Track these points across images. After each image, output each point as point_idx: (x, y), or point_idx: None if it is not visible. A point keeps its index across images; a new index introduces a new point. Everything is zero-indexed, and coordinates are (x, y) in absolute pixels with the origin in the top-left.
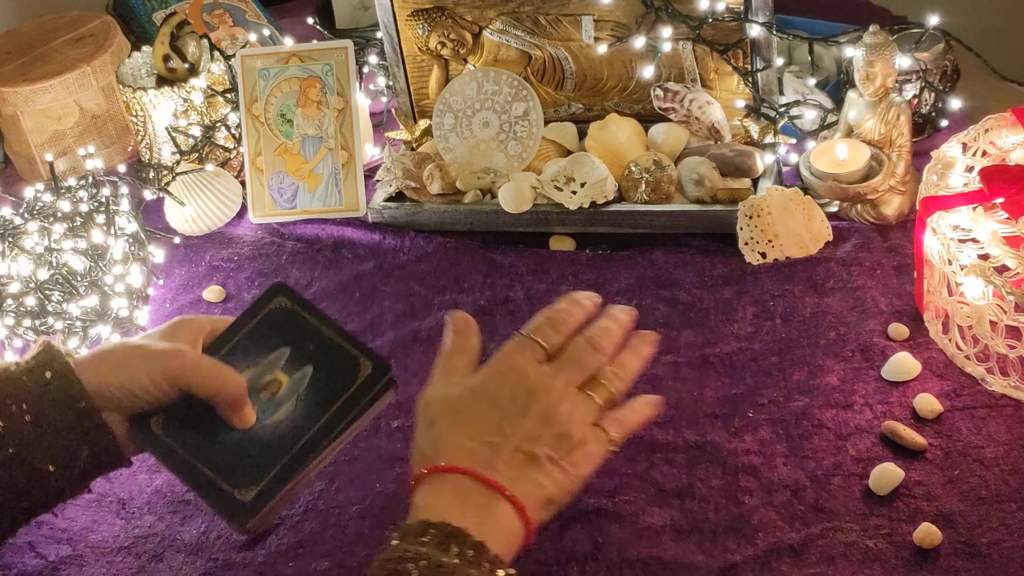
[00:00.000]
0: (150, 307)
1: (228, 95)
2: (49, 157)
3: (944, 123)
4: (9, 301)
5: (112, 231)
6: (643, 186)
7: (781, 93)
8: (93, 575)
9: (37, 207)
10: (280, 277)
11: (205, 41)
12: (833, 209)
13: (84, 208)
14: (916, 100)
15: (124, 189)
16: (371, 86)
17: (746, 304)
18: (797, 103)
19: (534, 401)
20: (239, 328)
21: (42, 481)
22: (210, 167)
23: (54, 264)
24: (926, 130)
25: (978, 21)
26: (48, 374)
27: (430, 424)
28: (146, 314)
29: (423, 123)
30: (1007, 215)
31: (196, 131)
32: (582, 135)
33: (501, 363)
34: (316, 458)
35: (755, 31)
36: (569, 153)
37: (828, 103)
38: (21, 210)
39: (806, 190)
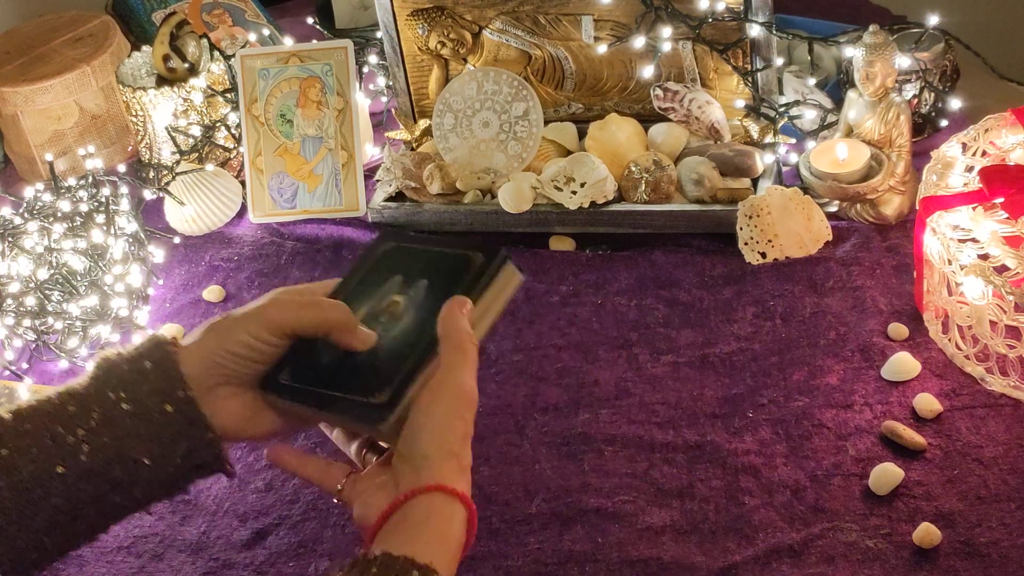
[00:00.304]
0: (150, 307)
1: (228, 95)
2: (49, 157)
3: (944, 123)
4: (9, 301)
5: (112, 231)
6: (643, 186)
7: (781, 93)
8: (93, 574)
9: (37, 207)
10: (280, 277)
11: (205, 41)
12: (833, 209)
13: (84, 208)
14: (916, 100)
15: (124, 189)
16: (371, 86)
17: (746, 304)
18: (797, 103)
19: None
20: (351, 280)
21: (136, 474)
22: (210, 167)
23: (54, 264)
24: (926, 130)
25: (978, 21)
26: (148, 364)
27: (463, 443)
28: (146, 314)
29: (423, 123)
30: (1007, 215)
31: (196, 131)
32: (582, 135)
33: (473, 390)
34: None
35: (755, 31)
36: (569, 153)
37: (828, 103)
38: (21, 210)
39: (806, 190)
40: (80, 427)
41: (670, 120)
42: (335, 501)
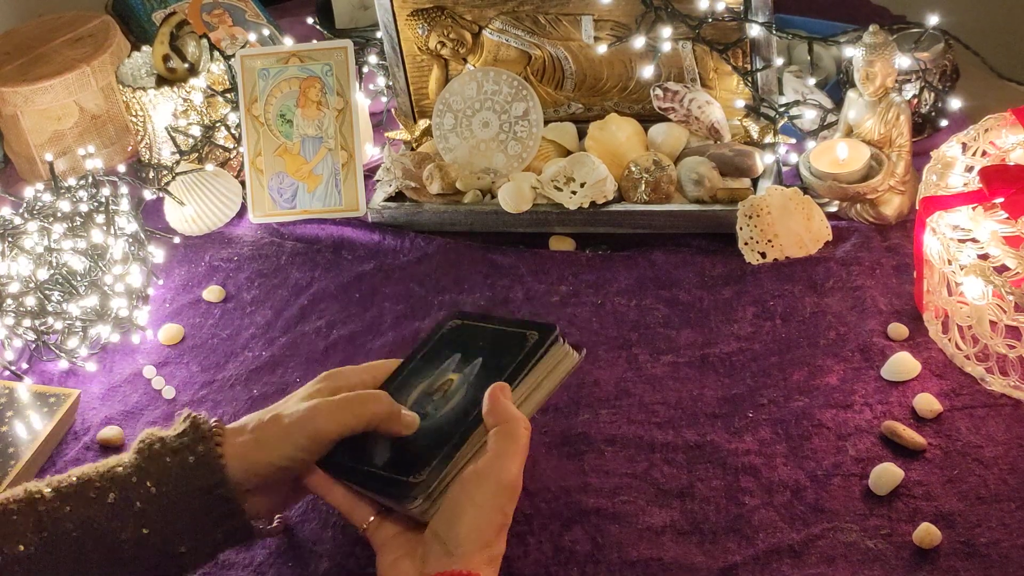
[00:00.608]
0: (150, 307)
1: (228, 95)
2: (49, 157)
3: (944, 123)
4: (9, 301)
5: (112, 231)
6: (643, 186)
7: (781, 93)
8: None
9: (37, 207)
10: (280, 277)
11: (205, 41)
12: (833, 209)
13: (84, 208)
14: (916, 100)
15: (124, 189)
16: (371, 86)
17: (746, 304)
18: (797, 103)
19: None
20: (413, 356)
21: (172, 560)
22: (210, 167)
23: (54, 264)
24: (926, 130)
25: (978, 20)
26: (192, 459)
27: (499, 535)
28: (146, 314)
29: (423, 123)
30: (1007, 215)
31: (196, 131)
32: (582, 135)
33: (518, 481)
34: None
35: (755, 31)
36: (569, 153)
37: (828, 103)
38: (21, 210)
39: (806, 190)
40: (119, 517)
41: (670, 120)
42: (360, 533)
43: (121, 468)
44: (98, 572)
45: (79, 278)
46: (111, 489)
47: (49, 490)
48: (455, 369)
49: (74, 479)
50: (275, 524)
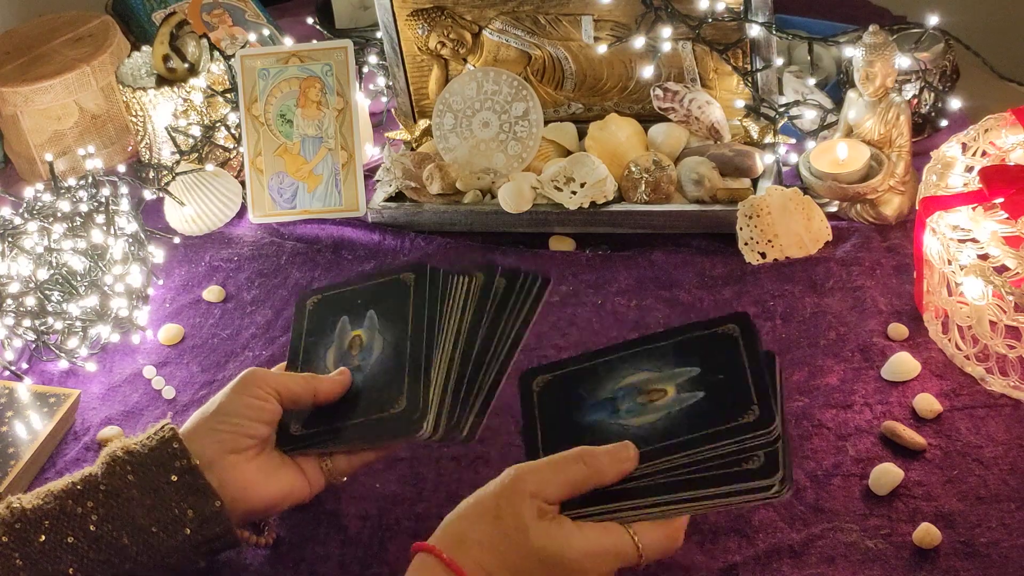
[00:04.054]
0: (150, 307)
1: (228, 95)
2: (49, 157)
3: (944, 123)
4: (9, 301)
5: (112, 231)
6: (643, 186)
7: (781, 93)
8: None
9: (37, 207)
10: (280, 277)
11: (205, 41)
12: (833, 209)
13: (84, 208)
14: (916, 100)
15: (124, 189)
16: (371, 86)
17: (746, 304)
18: (797, 103)
19: None
20: (299, 344)
21: (147, 543)
22: (210, 167)
23: (54, 264)
24: (926, 130)
25: (978, 21)
26: (153, 441)
27: (522, 538)
28: (146, 314)
29: (423, 123)
30: (1007, 215)
31: (196, 131)
32: (582, 135)
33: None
34: (432, 347)
35: (755, 31)
36: (569, 153)
37: (828, 103)
38: (21, 210)
39: (806, 190)
40: (89, 499)
41: (670, 120)
42: None
43: (88, 468)
44: (76, 560)
45: (79, 278)
46: (79, 482)
47: (20, 496)
48: (352, 327)
49: (47, 484)
50: (265, 535)
